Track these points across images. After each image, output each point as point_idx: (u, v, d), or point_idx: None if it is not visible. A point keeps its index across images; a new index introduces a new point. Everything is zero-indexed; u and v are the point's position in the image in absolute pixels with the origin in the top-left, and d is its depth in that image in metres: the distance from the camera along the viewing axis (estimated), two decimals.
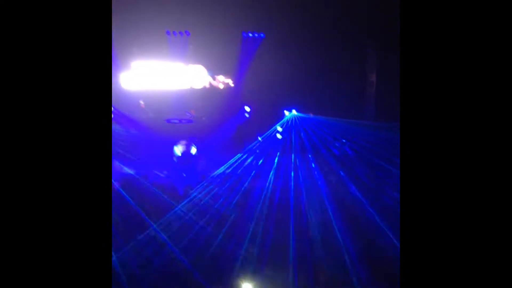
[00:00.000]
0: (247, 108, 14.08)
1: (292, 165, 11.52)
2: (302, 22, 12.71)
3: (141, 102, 13.80)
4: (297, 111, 13.76)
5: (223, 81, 14.11)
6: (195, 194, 9.54)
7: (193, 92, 13.97)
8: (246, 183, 10.64)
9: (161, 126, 13.52)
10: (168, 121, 13.80)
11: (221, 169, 11.91)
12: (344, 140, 12.50)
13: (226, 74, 14.08)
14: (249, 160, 12.33)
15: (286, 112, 13.85)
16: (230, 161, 12.18)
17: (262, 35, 13.82)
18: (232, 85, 14.07)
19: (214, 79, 14.06)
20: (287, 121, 13.71)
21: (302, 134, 13.15)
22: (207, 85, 13.99)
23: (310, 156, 12.10)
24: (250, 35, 13.83)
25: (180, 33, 13.47)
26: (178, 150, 13.15)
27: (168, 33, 13.39)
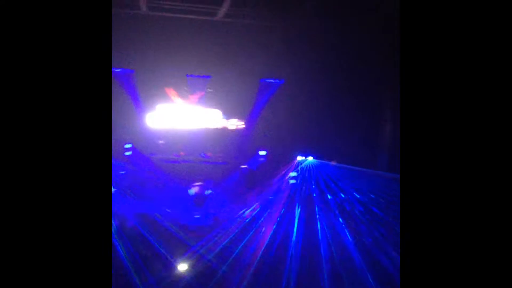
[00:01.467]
0: (262, 152, 14.17)
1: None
2: (319, 68, 12.99)
3: (161, 141, 14.05)
4: (314, 157, 13.80)
5: (237, 124, 14.32)
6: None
7: (209, 134, 14.19)
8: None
9: (178, 166, 13.68)
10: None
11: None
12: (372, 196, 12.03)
13: (242, 117, 14.30)
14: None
15: (300, 158, 13.88)
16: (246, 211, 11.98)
17: (280, 81, 14.10)
18: (247, 128, 14.25)
19: (229, 122, 14.27)
20: (303, 168, 13.71)
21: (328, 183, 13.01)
22: (222, 127, 14.20)
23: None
24: (268, 81, 14.13)
25: (198, 76, 13.89)
26: (193, 191, 13.19)
27: (188, 76, 13.82)
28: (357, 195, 12.27)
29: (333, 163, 13.62)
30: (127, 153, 13.47)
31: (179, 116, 14.09)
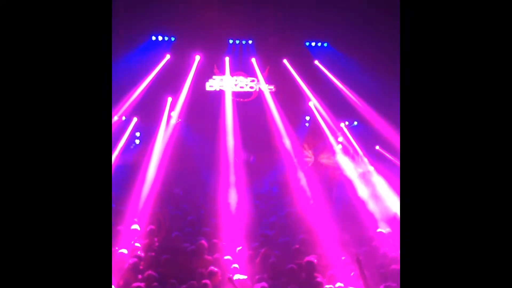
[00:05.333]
0: (307, 118, 13.89)
1: None
2: (366, 31, 12.36)
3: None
4: (358, 122, 13.45)
5: (282, 90, 13.89)
6: None
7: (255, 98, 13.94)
8: None
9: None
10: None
11: None
12: None
13: (286, 83, 13.86)
14: None
15: (346, 123, 13.53)
16: None
17: (325, 44, 13.56)
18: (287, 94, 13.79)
19: (272, 87, 13.84)
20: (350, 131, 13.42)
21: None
22: (264, 92, 13.82)
23: None
24: (313, 44, 13.59)
25: (241, 42, 13.54)
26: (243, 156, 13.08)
27: (230, 41, 13.50)
28: None
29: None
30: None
31: (218, 82, 13.81)
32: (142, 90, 12.66)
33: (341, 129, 13.41)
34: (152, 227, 8.03)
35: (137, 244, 7.45)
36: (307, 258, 6.62)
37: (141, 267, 6.50)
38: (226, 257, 6.92)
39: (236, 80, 13.79)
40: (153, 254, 7.05)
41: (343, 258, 6.99)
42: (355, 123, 13.50)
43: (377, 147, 13.09)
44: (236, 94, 13.76)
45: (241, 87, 13.82)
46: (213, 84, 13.73)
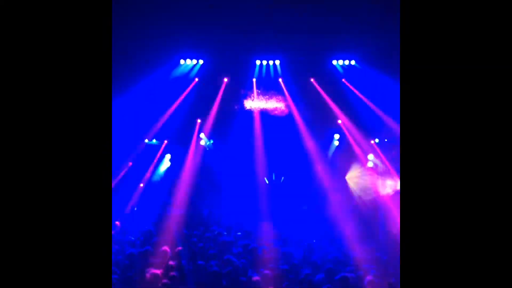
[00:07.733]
0: (336, 136, 13.76)
1: None
2: (394, 48, 12.20)
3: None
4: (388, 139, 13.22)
5: (310, 109, 13.84)
6: None
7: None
8: None
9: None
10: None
11: None
12: None
13: (315, 102, 13.80)
14: None
15: (375, 140, 13.33)
16: None
17: (352, 62, 13.44)
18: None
19: (300, 107, 13.80)
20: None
21: None
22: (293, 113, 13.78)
23: None
24: (341, 62, 13.49)
25: (268, 62, 13.59)
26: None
27: (257, 62, 13.57)
28: None
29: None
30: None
31: (246, 104, 13.89)
32: (172, 113, 12.92)
33: (371, 147, 13.25)
34: (180, 248, 8.11)
35: (171, 263, 7.51)
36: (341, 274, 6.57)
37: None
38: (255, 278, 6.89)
39: (264, 101, 13.86)
40: (183, 274, 7.08)
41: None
42: (386, 140, 13.29)
43: None
44: (264, 115, 13.81)
45: (269, 108, 13.87)
46: (241, 105, 13.84)
